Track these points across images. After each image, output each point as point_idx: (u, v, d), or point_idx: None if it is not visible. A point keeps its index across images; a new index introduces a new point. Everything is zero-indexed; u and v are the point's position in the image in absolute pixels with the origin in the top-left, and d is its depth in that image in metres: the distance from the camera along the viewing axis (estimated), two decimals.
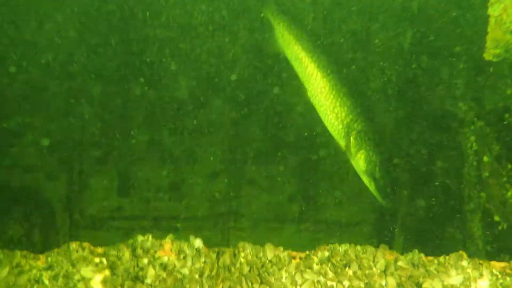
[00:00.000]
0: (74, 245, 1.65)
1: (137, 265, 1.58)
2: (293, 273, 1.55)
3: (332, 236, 5.28)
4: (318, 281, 1.49)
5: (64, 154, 4.62)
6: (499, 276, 1.45)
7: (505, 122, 2.56)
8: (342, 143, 3.11)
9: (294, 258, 1.68)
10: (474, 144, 3.09)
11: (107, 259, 1.63)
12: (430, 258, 1.53)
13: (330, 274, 1.52)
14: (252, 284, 1.51)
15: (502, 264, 1.48)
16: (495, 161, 2.88)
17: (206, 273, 1.56)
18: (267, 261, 1.62)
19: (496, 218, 3.17)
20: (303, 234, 5.22)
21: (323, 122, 3.22)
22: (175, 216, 4.96)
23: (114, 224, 4.79)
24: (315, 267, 1.57)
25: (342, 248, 1.59)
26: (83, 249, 1.65)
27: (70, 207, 4.65)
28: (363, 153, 2.98)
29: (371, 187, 3.03)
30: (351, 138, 3.01)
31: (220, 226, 5.02)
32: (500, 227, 3.18)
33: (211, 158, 4.97)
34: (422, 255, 1.54)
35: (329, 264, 1.57)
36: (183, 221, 4.96)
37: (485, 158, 2.95)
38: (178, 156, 4.90)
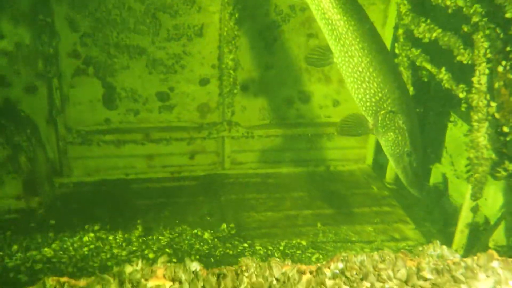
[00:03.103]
0: (50, 282, 1.42)
1: None
2: None
3: (330, 139, 5.17)
4: None
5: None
6: None
7: None
8: (370, 119, 2.74)
9: (303, 273, 1.47)
10: (488, 51, 2.74)
11: None
12: (457, 260, 1.31)
13: None
14: None
15: None
16: (511, 71, 2.57)
17: None
18: (274, 280, 1.40)
19: (505, 128, 2.96)
20: (301, 138, 5.10)
21: (350, 93, 2.78)
22: (166, 128, 4.79)
23: (103, 138, 4.64)
24: (328, 282, 1.37)
25: (357, 259, 1.37)
26: (62, 285, 1.41)
27: (55, 122, 4.45)
28: (391, 135, 2.65)
29: (398, 171, 2.75)
30: (379, 118, 2.65)
31: (214, 136, 4.88)
32: (509, 138, 2.99)
33: (201, 65, 4.63)
34: (446, 249, 1.31)
35: (344, 278, 1.36)
36: (175, 131, 4.80)
37: (500, 68, 2.64)
38: (165, 63, 4.55)
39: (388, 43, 4.54)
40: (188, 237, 3.87)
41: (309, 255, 3.79)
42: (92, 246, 3.52)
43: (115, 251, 3.48)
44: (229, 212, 4.43)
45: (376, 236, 4.19)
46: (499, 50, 2.64)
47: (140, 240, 3.72)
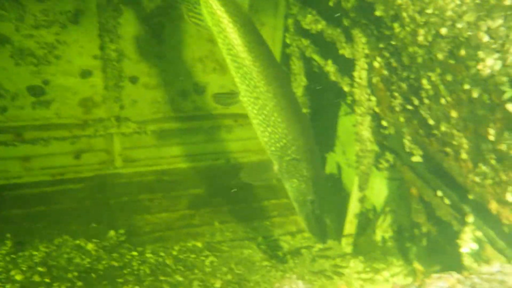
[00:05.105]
0: None
1: None
2: None
3: (230, 131, 5.02)
4: None
5: None
6: None
7: (396, 30, 2.17)
8: (275, 163, 2.63)
9: None
10: (365, 46, 2.72)
11: None
12: None
13: None
14: None
15: None
16: (385, 67, 2.56)
17: None
18: None
19: (384, 123, 2.99)
20: (199, 131, 4.87)
21: (256, 133, 2.64)
22: (44, 126, 4.27)
23: None
24: None
25: None
26: None
27: None
28: (295, 182, 2.59)
29: (302, 218, 2.70)
30: (283, 164, 2.56)
31: (101, 133, 4.46)
32: (387, 132, 3.03)
33: (80, 55, 4.16)
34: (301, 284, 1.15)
35: None
36: (54, 130, 4.30)
37: (375, 64, 2.62)
38: (35, 54, 4.01)
39: (279, 33, 4.45)
40: (68, 250, 3.48)
41: (203, 258, 3.61)
42: None
43: None
44: (119, 217, 4.09)
45: (273, 231, 4.14)
46: (374, 46, 2.62)
47: (8, 258, 3.25)
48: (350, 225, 3.69)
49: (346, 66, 3.37)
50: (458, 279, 1.15)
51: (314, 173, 2.59)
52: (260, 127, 2.57)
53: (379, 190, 3.66)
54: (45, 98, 4.20)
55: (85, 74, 4.26)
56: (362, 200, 3.61)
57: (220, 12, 2.50)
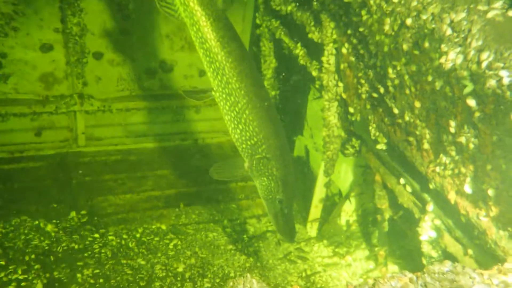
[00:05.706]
0: None
1: None
2: None
3: (198, 111, 4.92)
4: None
5: None
6: None
7: (364, 18, 2.12)
8: (246, 160, 2.59)
9: None
10: (334, 31, 2.66)
11: None
12: None
13: None
14: None
15: None
16: (352, 54, 2.52)
17: None
18: None
19: (350, 109, 2.98)
20: (166, 111, 4.76)
21: (228, 130, 2.57)
22: (1, 101, 4.07)
23: None
24: None
25: None
26: None
27: None
28: (265, 181, 2.56)
29: (270, 216, 2.69)
30: (254, 162, 2.52)
31: (62, 111, 4.29)
32: (354, 118, 3.02)
33: (39, 28, 3.95)
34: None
35: None
36: (12, 105, 4.10)
37: (343, 50, 2.58)
38: None
39: (250, 12, 4.34)
40: (26, 231, 3.37)
41: (167, 241, 3.56)
42: None
43: None
44: (81, 197, 3.98)
45: (239, 214, 4.13)
46: (343, 32, 2.58)
47: None
48: (315, 210, 3.71)
49: (315, 50, 3.32)
50: (411, 278, 1.15)
51: (284, 172, 2.57)
52: (232, 123, 2.52)
53: (345, 175, 3.68)
54: (2, 72, 4.00)
55: (46, 48, 4.06)
56: (327, 185, 3.63)
57: (193, 4, 2.42)
